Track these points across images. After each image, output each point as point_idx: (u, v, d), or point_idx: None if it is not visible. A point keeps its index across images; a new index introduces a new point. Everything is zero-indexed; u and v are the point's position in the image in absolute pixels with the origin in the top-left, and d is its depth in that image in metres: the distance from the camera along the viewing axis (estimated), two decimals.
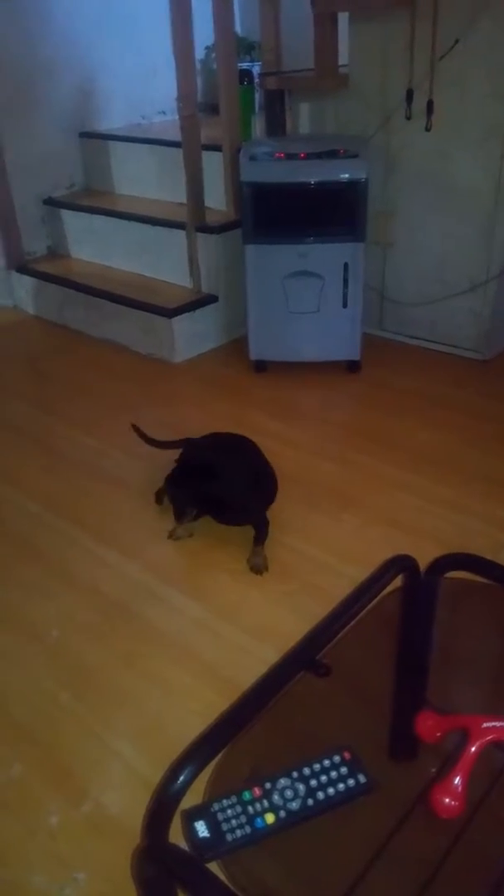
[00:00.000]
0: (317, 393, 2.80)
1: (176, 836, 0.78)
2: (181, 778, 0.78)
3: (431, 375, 2.85)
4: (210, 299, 3.11)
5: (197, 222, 3.03)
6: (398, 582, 1.09)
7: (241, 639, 1.69)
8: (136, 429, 2.20)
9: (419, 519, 2.05)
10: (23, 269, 3.59)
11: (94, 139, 3.74)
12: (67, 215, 3.65)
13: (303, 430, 2.55)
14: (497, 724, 0.81)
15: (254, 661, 1.60)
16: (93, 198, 3.69)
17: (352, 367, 2.87)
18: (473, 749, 0.80)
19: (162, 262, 3.27)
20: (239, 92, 2.94)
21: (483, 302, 2.81)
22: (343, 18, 2.78)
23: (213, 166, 3.01)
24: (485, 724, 0.81)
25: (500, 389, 2.75)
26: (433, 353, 3.00)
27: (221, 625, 1.72)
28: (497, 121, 2.52)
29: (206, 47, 3.68)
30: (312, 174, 2.53)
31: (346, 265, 2.63)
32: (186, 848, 0.76)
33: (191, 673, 1.61)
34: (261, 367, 2.91)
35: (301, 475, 2.26)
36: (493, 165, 2.58)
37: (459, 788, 0.78)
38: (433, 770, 0.84)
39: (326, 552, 1.95)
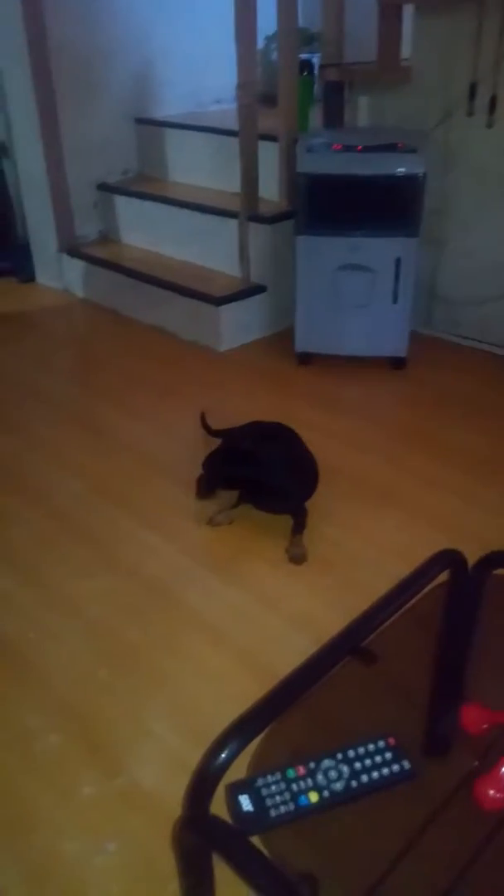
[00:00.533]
0: (361, 388, 2.79)
1: (216, 810, 0.79)
2: (226, 751, 0.79)
3: (479, 376, 2.82)
4: (258, 289, 3.11)
5: (249, 212, 3.03)
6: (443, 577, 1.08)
7: (279, 627, 1.70)
8: (203, 418, 2.21)
9: (461, 519, 2.03)
10: (74, 252, 3.64)
11: (149, 126, 3.76)
12: (120, 201, 3.69)
13: (346, 423, 2.54)
14: None
15: (290, 650, 1.60)
16: (146, 184, 3.72)
17: (397, 363, 2.85)
18: None
19: (212, 250, 3.29)
20: (298, 82, 2.94)
21: None
22: (408, 10, 2.75)
23: (268, 156, 3.00)
24: None
25: None
26: (482, 353, 2.96)
27: (259, 612, 1.73)
28: None
29: (266, 37, 3.67)
30: (369, 167, 2.52)
31: (398, 260, 2.61)
32: (229, 821, 0.77)
33: (227, 657, 1.62)
34: (305, 359, 2.91)
35: (344, 469, 2.26)
36: None
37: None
38: (475, 763, 0.84)
39: (367, 546, 1.94)
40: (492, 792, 0.77)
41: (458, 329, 3.02)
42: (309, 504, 2.01)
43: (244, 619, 1.73)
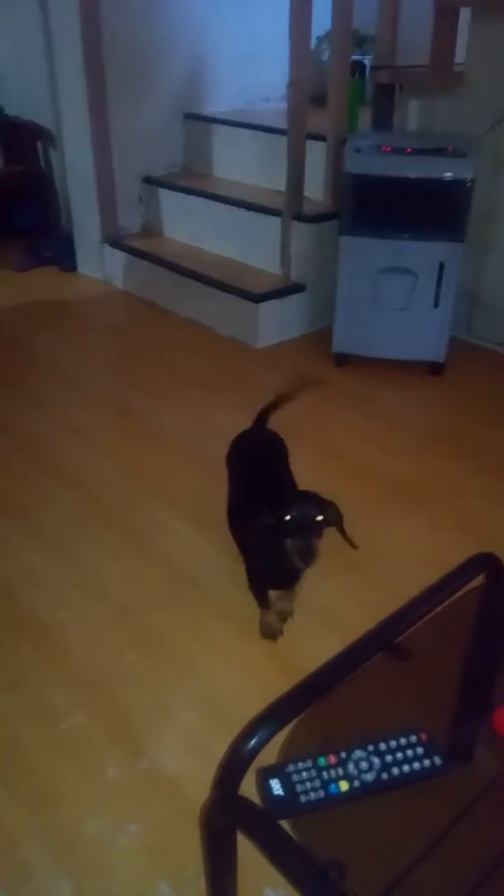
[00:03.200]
0: (397, 391, 2.78)
1: (245, 794, 0.80)
2: (258, 735, 0.80)
3: None
4: (298, 288, 3.12)
5: (294, 210, 3.04)
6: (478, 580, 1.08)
7: (306, 623, 1.70)
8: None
9: (493, 526, 2.02)
10: (116, 243, 3.68)
11: (197, 121, 3.78)
12: (164, 194, 3.71)
13: (380, 426, 2.54)
14: None
15: (316, 646, 1.61)
16: (191, 179, 3.74)
17: (435, 368, 2.83)
18: None
19: (254, 247, 3.30)
20: (349, 83, 2.93)
21: None
22: (464, 14, 2.74)
23: (315, 156, 3.01)
24: None
25: None
26: None
27: None
28: None
29: (318, 37, 3.67)
30: (417, 170, 2.51)
31: (441, 265, 2.60)
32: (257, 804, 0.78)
33: (254, 649, 1.63)
34: (342, 360, 2.91)
35: (376, 471, 2.26)
36: None
37: None
38: None
39: (396, 549, 1.94)
40: None
41: (500, 337, 3.00)
42: (339, 504, 2.00)
43: None
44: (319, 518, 1.41)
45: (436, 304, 2.67)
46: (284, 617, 1.71)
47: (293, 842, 0.72)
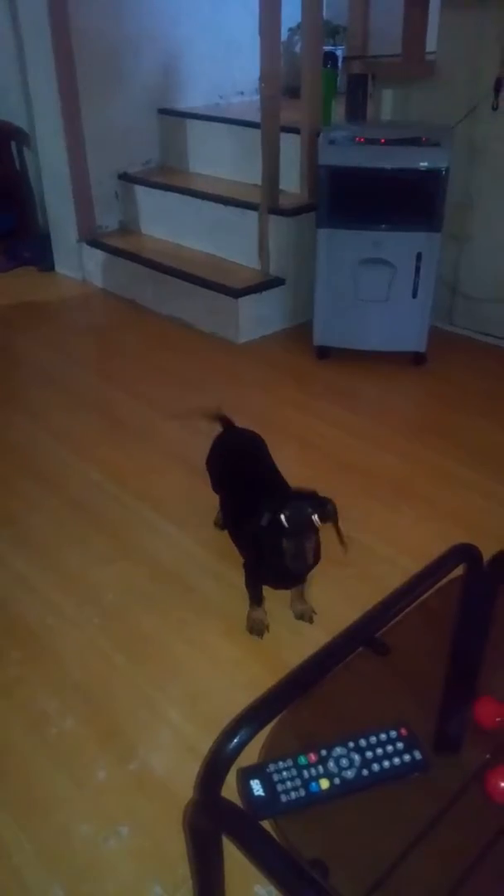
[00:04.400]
0: (380, 383, 2.78)
1: (228, 796, 0.80)
2: (238, 736, 0.80)
3: (499, 374, 2.80)
4: (277, 282, 3.11)
5: (270, 204, 3.03)
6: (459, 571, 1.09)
7: (292, 619, 1.70)
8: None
9: (479, 517, 2.03)
10: (94, 242, 3.66)
11: (172, 117, 3.77)
12: (141, 191, 3.69)
13: (364, 418, 2.54)
14: None
15: (303, 641, 1.62)
16: (167, 175, 3.72)
17: (417, 359, 2.84)
18: None
19: (232, 242, 3.29)
20: (322, 75, 2.93)
21: None
22: (434, 4, 2.73)
23: (290, 149, 3.00)
24: None
25: None
26: (502, 351, 2.95)
27: (273, 604, 1.74)
28: None
29: (290, 29, 3.66)
30: (392, 160, 2.51)
31: (419, 255, 2.60)
32: (240, 805, 0.78)
33: (240, 648, 1.64)
34: (324, 353, 2.91)
35: (361, 464, 2.26)
36: None
37: None
38: (487, 755, 0.85)
39: (382, 542, 1.94)
40: (503, 784, 0.77)
41: (480, 326, 3.01)
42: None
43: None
44: (315, 517, 1.40)
45: (415, 295, 2.67)
46: (310, 618, 1.69)
47: (275, 842, 0.72)
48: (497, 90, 2.58)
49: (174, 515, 2.06)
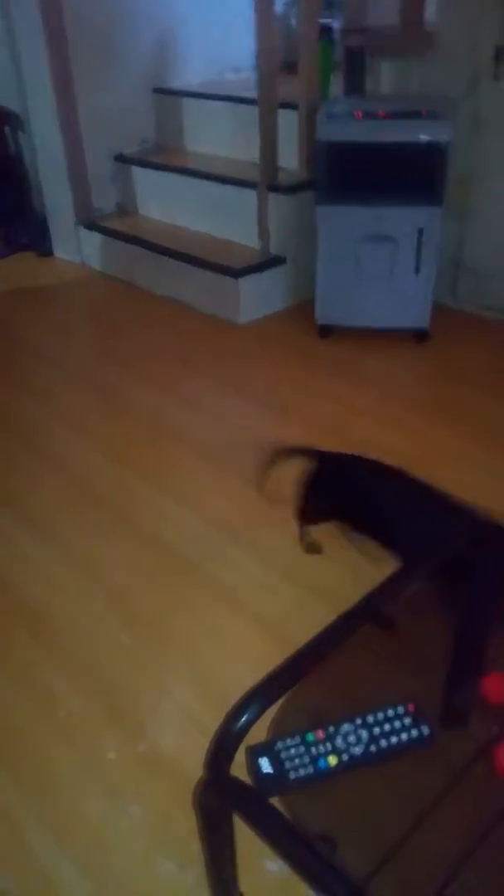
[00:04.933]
0: (383, 360, 2.76)
1: (236, 774, 0.80)
2: (246, 715, 0.80)
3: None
4: (278, 261, 3.09)
5: (269, 181, 2.99)
6: None
7: (300, 596, 1.70)
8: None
9: (489, 494, 1.99)
10: (91, 225, 3.62)
11: (167, 95, 3.71)
12: (138, 172, 3.65)
13: (368, 396, 2.52)
14: None
15: (310, 618, 1.60)
16: (164, 155, 3.68)
17: (420, 336, 2.81)
18: None
19: (231, 221, 3.26)
20: (318, 48, 2.88)
21: None
22: None
23: (289, 125, 2.95)
24: None
25: None
26: None
27: (280, 581, 1.75)
28: None
29: (285, 2, 3.60)
30: (391, 134, 2.47)
31: (420, 230, 2.57)
32: (248, 782, 0.78)
33: (247, 625, 1.64)
34: (326, 331, 2.89)
35: (365, 441, 2.25)
36: None
37: None
38: (495, 730, 0.84)
39: None
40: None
41: (485, 301, 2.98)
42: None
43: (264, 587, 1.74)
44: None
45: (417, 271, 2.65)
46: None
47: (284, 819, 0.73)
48: (498, 60, 2.54)
49: (176, 493, 2.05)
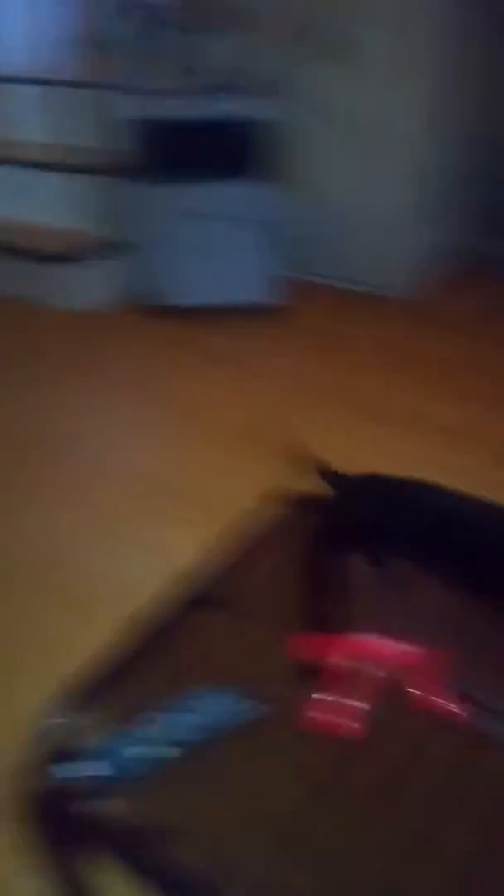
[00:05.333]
0: (235, 339, 2.71)
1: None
2: (65, 719, 0.78)
3: (350, 316, 2.83)
4: (111, 246, 2.99)
5: (84, 164, 2.89)
6: None
7: None
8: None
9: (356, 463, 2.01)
10: None
11: None
12: None
13: (225, 377, 2.49)
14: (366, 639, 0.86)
15: None
16: None
17: (264, 310, 2.80)
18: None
19: (52, 208, 3.12)
20: (126, 25, 2.79)
21: (403, 241, 2.78)
22: None
23: (94, 105, 2.86)
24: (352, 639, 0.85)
25: (424, 329, 2.75)
26: (349, 293, 2.97)
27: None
28: (421, 55, 2.44)
29: None
30: (204, 110, 2.44)
31: (248, 205, 2.56)
32: (78, 786, 0.76)
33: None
34: (169, 312, 2.83)
35: (232, 423, 2.22)
36: (413, 102, 2.52)
37: (353, 707, 0.80)
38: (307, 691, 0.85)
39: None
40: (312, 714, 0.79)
41: (323, 270, 2.99)
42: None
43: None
44: None
45: (253, 246, 2.63)
46: None
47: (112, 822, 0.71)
48: (324, 33, 2.51)
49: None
